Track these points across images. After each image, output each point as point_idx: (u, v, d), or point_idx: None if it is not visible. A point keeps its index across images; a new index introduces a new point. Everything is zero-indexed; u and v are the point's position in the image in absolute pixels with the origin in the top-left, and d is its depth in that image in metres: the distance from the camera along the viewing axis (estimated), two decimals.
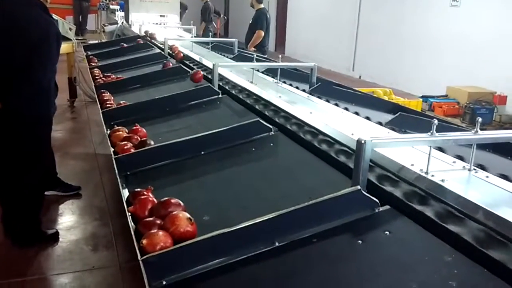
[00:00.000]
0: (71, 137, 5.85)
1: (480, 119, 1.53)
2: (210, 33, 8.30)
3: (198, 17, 11.39)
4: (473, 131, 1.52)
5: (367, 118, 2.31)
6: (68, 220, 3.61)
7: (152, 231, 1.34)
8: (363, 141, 1.40)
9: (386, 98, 5.61)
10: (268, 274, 1.26)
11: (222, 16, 14.99)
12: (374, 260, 1.24)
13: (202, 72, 3.40)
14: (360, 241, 1.29)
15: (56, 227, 3.44)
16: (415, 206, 1.36)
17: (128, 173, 1.98)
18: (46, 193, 3.47)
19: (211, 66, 3.24)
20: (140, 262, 1.22)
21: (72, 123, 6.47)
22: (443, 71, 8.86)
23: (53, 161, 3.88)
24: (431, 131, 1.47)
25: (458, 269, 1.12)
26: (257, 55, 4.18)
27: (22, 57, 2.85)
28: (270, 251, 1.30)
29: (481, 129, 1.52)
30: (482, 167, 1.58)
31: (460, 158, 1.65)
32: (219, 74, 3.23)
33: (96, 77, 3.92)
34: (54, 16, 3.87)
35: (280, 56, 3.58)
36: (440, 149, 1.72)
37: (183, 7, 11.21)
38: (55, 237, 3.28)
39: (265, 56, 6.15)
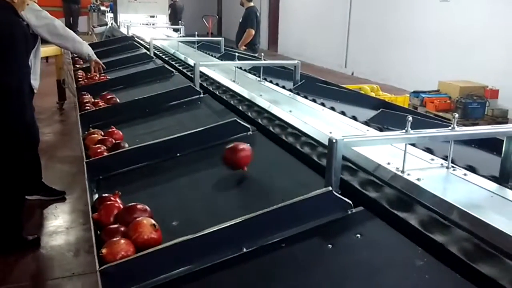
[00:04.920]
0: (59, 140, 5.80)
1: (456, 115, 1.48)
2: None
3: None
4: (449, 128, 1.46)
5: (342, 113, 2.24)
6: (51, 225, 3.55)
7: (114, 239, 1.28)
8: (334, 140, 1.35)
9: (373, 94, 5.55)
10: (235, 281, 1.20)
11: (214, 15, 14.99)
12: (344, 264, 1.18)
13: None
14: (330, 245, 1.23)
15: (39, 232, 3.38)
16: (388, 207, 1.30)
17: (101, 177, 1.91)
18: (29, 197, 3.42)
19: None
20: (97, 272, 1.16)
21: (60, 126, 6.41)
22: (434, 66, 8.83)
23: (38, 166, 3.82)
24: (406, 129, 1.42)
25: (429, 274, 1.06)
26: (245, 54, 4.13)
27: None
28: (237, 258, 1.24)
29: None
30: (463, 164, 1.52)
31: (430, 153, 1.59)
32: (204, 74, 3.17)
33: (79, 79, 3.86)
34: None
35: (262, 54, 3.53)
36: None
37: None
38: (36, 243, 3.21)
39: (256, 54, 6.08)
